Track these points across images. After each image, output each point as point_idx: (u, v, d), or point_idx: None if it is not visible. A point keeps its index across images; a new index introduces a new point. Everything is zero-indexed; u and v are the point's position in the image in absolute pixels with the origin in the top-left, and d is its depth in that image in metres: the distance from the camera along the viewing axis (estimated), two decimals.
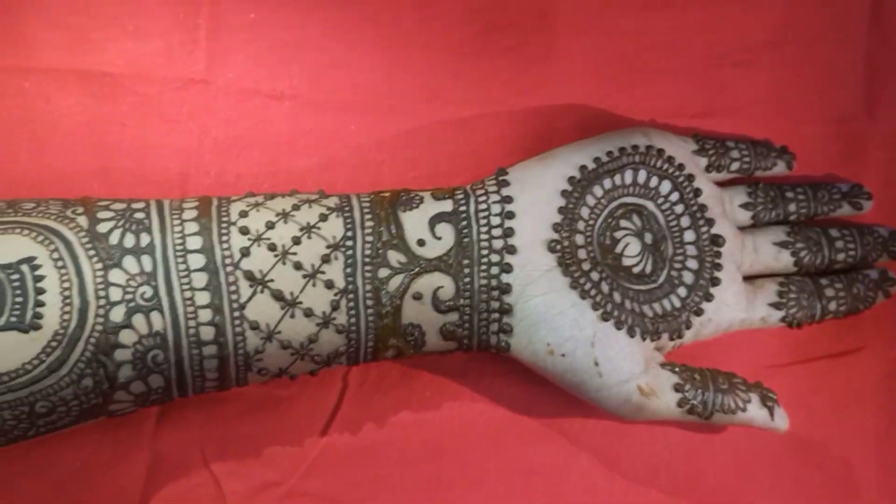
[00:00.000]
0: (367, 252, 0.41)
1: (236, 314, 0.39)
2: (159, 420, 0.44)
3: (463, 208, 0.43)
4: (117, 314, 0.38)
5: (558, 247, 0.42)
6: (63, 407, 0.38)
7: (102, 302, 0.38)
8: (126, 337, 0.38)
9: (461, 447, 0.47)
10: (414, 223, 0.42)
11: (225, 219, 0.41)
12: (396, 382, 0.47)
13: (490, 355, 0.46)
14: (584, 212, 0.43)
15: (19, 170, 0.44)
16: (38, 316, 0.37)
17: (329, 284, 0.41)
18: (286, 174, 0.47)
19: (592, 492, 0.48)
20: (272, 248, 0.40)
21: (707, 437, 0.49)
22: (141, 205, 0.41)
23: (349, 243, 0.41)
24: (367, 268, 0.41)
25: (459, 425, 0.47)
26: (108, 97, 0.45)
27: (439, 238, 0.42)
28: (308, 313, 0.40)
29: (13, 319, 0.37)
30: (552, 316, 0.42)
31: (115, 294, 0.38)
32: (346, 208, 0.42)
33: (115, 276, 0.38)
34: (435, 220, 0.43)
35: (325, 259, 0.41)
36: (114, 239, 0.39)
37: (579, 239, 0.43)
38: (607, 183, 0.44)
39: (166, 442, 0.44)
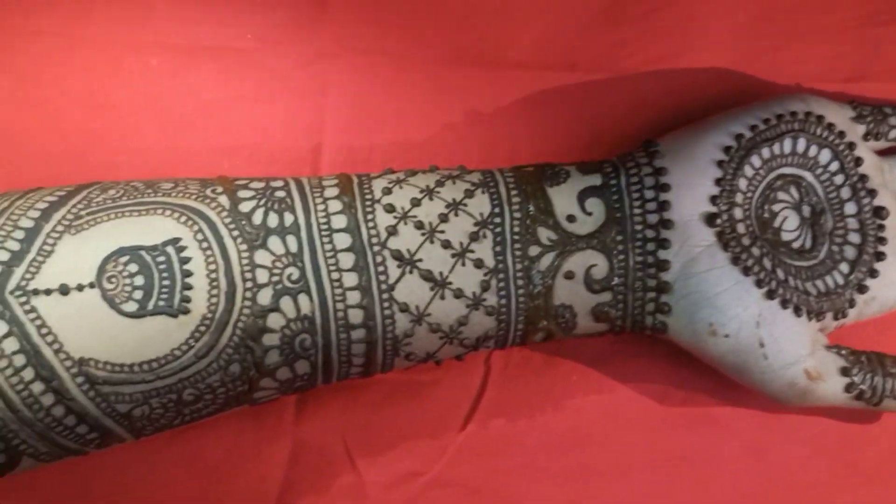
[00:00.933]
0: (516, 229, 0.39)
1: (385, 296, 0.37)
2: (299, 408, 0.43)
3: (613, 182, 0.40)
4: (265, 297, 0.36)
5: (717, 220, 0.40)
6: (210, 394, 0.37)
7: (249, 284, 0.36)
8: (274, 321, 0.36)
9: (607, 433, 0.44)
10: (562, 198, 0.40)
11: (368, 196, 0.39)
12: (540, 367, 0.44)
13: (635, 337, 0.43)
14: (742, 183, 0.40)
15: (148, 148, 0.43)
16: (186, 300, 0.35)
17: (478, 264, 0.38)
18: (419, 148, 0.44)
19: (741, 481, 0.46)
20: (419, 225, 0.38)
21: (862, 425, 0.46)
22: (280, 183, 0.39)
23: (497, 220, 0.39)
24: (517, 245, 0.39)
25: (605, 411, 0.44)
26: (236, 73, 0.43)
27: (590, 213, 0.40)
28: (458, 294, 0.38)
29: (161, 303, 0.35)
30: (715, 294, 0.39)
31: (262, 276, 0.36)
32: (491, 184, 0.40)
33: (261, 257, 0.36)
34: (584, 195, 0.40)
35: (474, 237, 0.38)
36: (257, 219, 0.37)
37: (738, 212, 0.40)
38: (765, 152, 0.41)
39: (307, 430, 0.42)
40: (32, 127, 0.42)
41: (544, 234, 0.39)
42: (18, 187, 0.40)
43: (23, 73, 0.42)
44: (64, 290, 0.34)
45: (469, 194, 0.39)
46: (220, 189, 0.38)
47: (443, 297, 0.38)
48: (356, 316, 0.37)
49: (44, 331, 0.34)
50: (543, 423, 0.44)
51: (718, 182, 0.40)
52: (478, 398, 0.44)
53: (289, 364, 0.37)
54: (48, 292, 0.34)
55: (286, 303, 0.36)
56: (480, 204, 0.39)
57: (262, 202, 0.38)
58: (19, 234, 0.35)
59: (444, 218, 0.38)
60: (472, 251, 0.38)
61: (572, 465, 0.44)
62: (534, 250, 0.39)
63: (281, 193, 0.38)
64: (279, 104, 0.44)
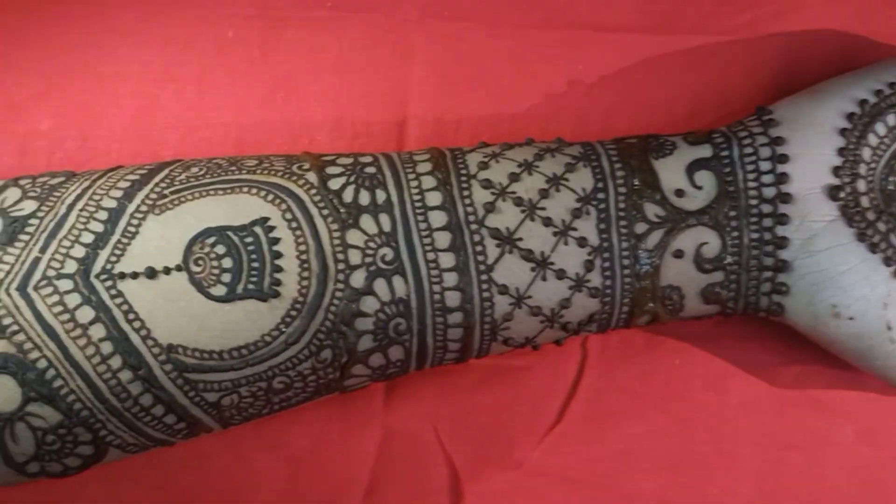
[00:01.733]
0: (621, 205, 0.36)
1: (483, 277, 0.35)
2: (388, 395, 0.40)
3: (725, 153, 0.37)
4: (357, 279, 0.34)
5: (841, 194, 0.36)
6: (300, 382, 0.35)
7: (342, 266, 0.34)
8: (368, 304, 0.34)
9: (712, 419, 0.42)
10: (670, 172, 0.37)
11: (464, 171, 0.36)
12: (641, 350, 0.42)
13: (741, 319, 0.40)
14: (866, 153, 0.37)
15: (227, 124, 0.40)
16: (276, 283, 0.33)
17: (582, 242, 0.36)
18: (510, 121, 0.42)
19: (853, 468, 0.43)
20: (518, 202, 0.36)
21: None
22: (369, 158, 0.37)
23: (601, 196, 0.36)
24: (622, 223, 0.36)
25: (710, 395, 0.42)
26: (315, 43, 0.41)
27: (700, 187, 0.37)
28: (560, 275, 0.35)
29: (251, 287, 0.33)
30: (840, 273, 0.36)
31: (355, 257, 0.34)
32: (593, 157, 0.37)
33: (353, 237, 0.34)
34: (693, 168, 0.37)
35: (576, 214, 0.36)
36: (348, 196, 0.35)
37: (861, 185, 0.37)
38: (891, 119, 0.38)
39: (397, 418, 0.40)
40: (108, 102, 0.40)
41: (651, 210, 0.36)
42: (97, 167, 0.39)
43: (99, 47, 0.40)
44: (150, 274, 0.32)
45: (570, 168, 0.37)
46: (306, 165, 0.36)
47: (544, 279, 0.35)
48: (453, 299, 0.35)
49: (131, 316, 0.32)
50: (644, 409, 0.41)
51: (841, 152, 0.37)
52: (575, 384, 0.41)
53: (382, 350, 0.35)
54: (135, 276, 0.32)
55: (380, 285, 0.34)
56: (582, 178, 0.36)
57: (353, 179, 0.35)
58: (102, 215, 0.33)
59: (544, 194, 0.36)
60: (574, 229, 0.36)
61: (675, 452, 0.41)
62: (640, 227, 0.36)
63: (371, 169, 0.36)
64: (361, 76, 0.41)
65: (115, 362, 0.32)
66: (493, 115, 0.42)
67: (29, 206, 0.34)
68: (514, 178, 0.36)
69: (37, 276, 0.32)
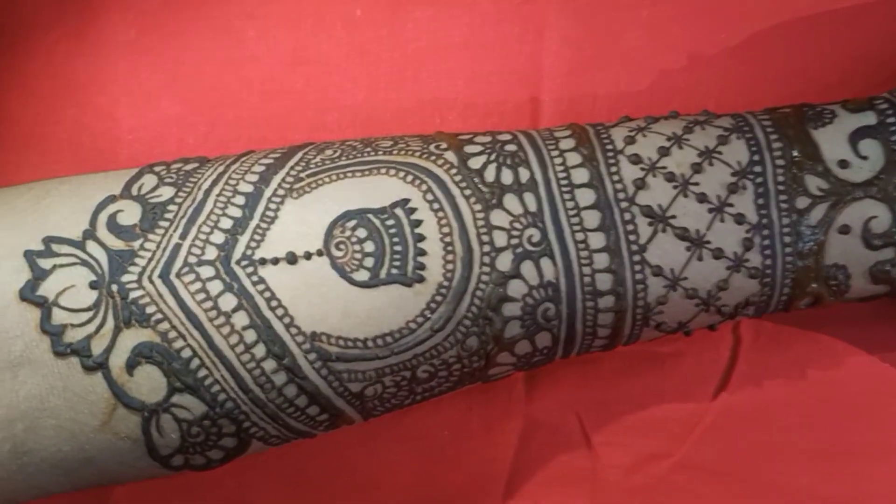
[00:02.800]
0: (780, 178, 0.34)
1: (636, 258, 0.33)
2: (529, 383, 0.39)
3: (891, 119, 0.34)
4: (504, 262, 0.32)
5: None
6: (444, 371, 0.33)
7: (487, 249, 0.32)
8: (515, 288, 0.32)
9: (875, 410, 0.39)
10: (831, 142, 0.34)
11: (609, 147, 0.34)
12: (798, 335, 0.39)
13: None
14: None
15: (356, 105, 0.39)
16: (420, 266, 0.32)
17: (739, 219, 0.33)
18: (649, 94, 0.39)
19: None
20: (670, 177, 0.33)
21: None
22: (507, 136, 0.35)
23: (757, 169, 0.34)
24: (782, 197, 0.34)
25: (873, 384, 0.39)
26: (445, 20, 0.39)
27: (865, 157, 0.34)
28: (717, 254, 0.33)
29: (395, 271, 0.32)
30: None
31: (500, 239, 0.32)
32: (745, 128, 0.35)
33: (498, 217, 0.32)
34: (856, 137, 0.34)
35: (732, 189, 0.33)
36: (489, 175, 0.33)
37: None
38: None
39: (539, 408, 0.38)
40: (236, 87, 0.39)
41: (813, 183, 0.34)
42: (224, 152, 0.38)
43: (227, 32, 0.39)
44: (291, 259, 0.31)
45: (722, 141, 0.34)
46: (444, 145, 0.34)
47: (700, 258, 0.33)
48: (604, 281, 0.33)
49: (273, 303, 0.31)
50: (802, 399, 0.38)
51: None
52: (728, 372, 0.39)
53: (529, 337, 0.33)
54: (275, 261, 0.31)
55: (528, 268, 0.32)
56: (737, 151, 0.34)
57: (493, 157, 0.34)
58: (240, 200, 0.32)
59: (697, 168, 0.33)
60: (731, 205, 0.33)
61: (835, 444, 0.39)
62: (802, 202, 0.34)
63: (511, 147, 0.34)
64: (492, 52, 0.39)
65: (259, 351, 0.31)
66: (630, 89, 0.40)
67: (166, 192, 0.33)
68: (663, 152, 0.34)
69: (178, 262, 0.31)
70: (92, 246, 0.31)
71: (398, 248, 0.32)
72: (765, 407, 0.38)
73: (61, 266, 0.31)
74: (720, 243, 0.33)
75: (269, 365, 0.31)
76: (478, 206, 0.32)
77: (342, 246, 0.32)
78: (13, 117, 0.39)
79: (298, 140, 0.39)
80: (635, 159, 0.34)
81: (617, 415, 0.38)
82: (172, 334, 0.30)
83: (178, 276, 0.31)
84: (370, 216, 0.32)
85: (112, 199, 0.32)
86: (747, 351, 0.39)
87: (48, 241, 0.31)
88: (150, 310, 0.31)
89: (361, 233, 0.32)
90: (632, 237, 0.33)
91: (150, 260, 0.31)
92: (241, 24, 0.39)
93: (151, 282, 0.31)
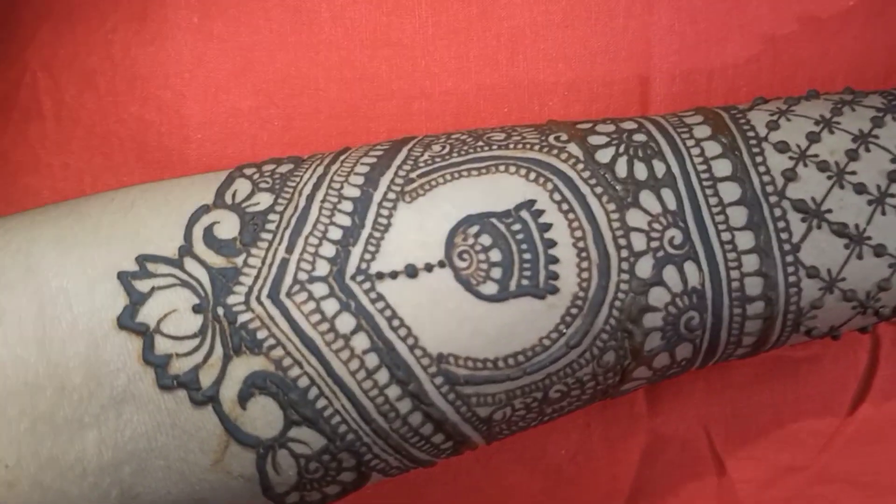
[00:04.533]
0: None
1: (789, 258, 0.31)
2: (651, 396, 0.36)
3: None
4: (644, 268, 0.30)
5: None
6: (577, 390, 0.31)
7: (625, 253, 0.30)
8: (657, 297, 0.30)
9: None
10: None
11: (751, 134, 0.32)
12: None
13: None
14: None
15: (446, 91, 0.36)
16: (552, 276, 0.29)
17: None
18: (771, 70, 0.37)
19: None
20: (823, 166, 0.31)
21: None
22: (632, 124, 0.32)
23: None
24: None
25: None
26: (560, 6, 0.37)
27: None
28: (879, 251, 0.31)
29: (525, 282, 0.29)
30: None
31: (639, 242, 0.30)
32: None
33: (634, 218, 0.30)
34: None
35: (893, 177, 0.31)
36: (621, 170, 0.31)
37: None
38: None
39: (664, 422, 0.36)
40: (313, 75, 0.37)
41: None
42: (306, 148, 0.35)
43: (300, 13, 0.36)
44: (412, 272, 0.29)
45: (878, 122, 0.32)
46: (564, 136, 0.32)
47: (860, 256, 0.31)
48: (754, 286, 0.31)
49: (395, 322, 0.29)
50: None
51: None
52: (868, 376, 0.37)
53: (670, 349, 0.31)
54: (394, 275, 0.29)
55: (670, 273, 0.30)
56: (894, 135, 0.32)
57: (622, 149, 0.31)
58: (347, 206, 0.30)
59: (852, 155, 0.31)
60: (892, 195, 0.31)
61: None
62: None
63: (640, 136, 0.32)
64: (596, 28, 0.37)
65: (382, 377, 0.29)
66: (751, 65, 0.37)
67: (264, 199, 0.30)
68: (813, 137, 0.31)
69: (288, 280, 0.29)
70: (191, 264, 0.29)
71: (527, 255, 0.30)
72: None
73: (160, 288, 0.28)
74: (882, 239, 0.31)
75: (393, 392, 0.29)
76: (611, 206, 0.30)
77: (466, 255, 0.29)
78: (73, 116, 0.37)
79: (383, 132, 0.37)
80: (782, 147, 0.31)
81: (749, 427, 0.36)
82: (287, 361, 0.28)
83: (289, 295, 0.29)
84: (494, 221, 0.30)
85: (206, 208, 0.30)
86: (889, 353, 0.37)
87: (142, 259, 0.29)
88: (261, 335, 0.28)
89: (486, 240, 0.30)
90: (783, 235, 0.31)
91: (256, 278, 0.29)
92: (313, 4, 0.36)
93: (260, 303, 0.28)
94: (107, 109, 0.36)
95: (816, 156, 0.31)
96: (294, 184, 0.31)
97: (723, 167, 0.31)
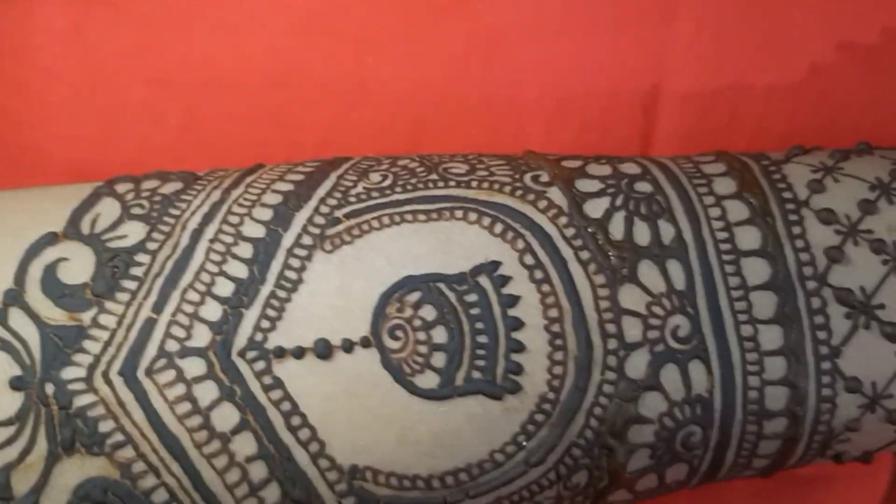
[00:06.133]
0: None
1: (825, 365, 0.24)
2: None
3: None
4: (637, 366, 0.23)
5: None
6: None
7: (613, 345, 0.23)
8: (650, 404, 0.24)
9: None
10: None
11: (788, 195, 0.25)
12: None
13: None
14: None
15: (414, 94, 0.30)
16: (515, 369, 0.23)
17: None
18: (809, 110, 0.31)
19: None
20: (878, 248, 0.25)
21: None
22: (635, 168, 0.26)
23: None
24: None
25: None
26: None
27: None
28: None
29: (477, 375, 0.23)
30: None
31: (633, 330, 0.24)
32: None
33: (630, 297, 0.24)
34: None
35: None
36: (616, 229, 0.24)
37: None
38: None
39: None
40: (226, 60, 0.30)
41: None
42: (212, 160, 0.28)
43: None
44: (323, 351, 0.22)
45: None
46: (545, 176, 0.25)
47: None
48: (777, 398, 0.24)
49: (295, 420, 0.22)
50: None
51: None
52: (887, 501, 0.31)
53: (659, 470, 0.25)
54: (299, 353, 0.22)
55: (670, 375, 0.24)
56: None
57: (620, 201, 0.25)
58: (245, 251, 0.23)
59: None
60: None
61: None
62: None
63: (644, 186, 0.25)
64: (599, 37, 0.30)
65: (271, 495, 0.22)
66: (786, 99, 0.31)
67: (134, 230, 0.23)
68: (867, 208, 0.25)
69: (150, 351, 0.22)
70: (17, 317, 0.22)
71: (482, 338, 0.23)
72: None
73: None
74: None
75: None
76: (600, 279, 0.24)
77: (400, 333, 0.23)
78: None
79: (310, 145, 0.30)
80: (828, 217, 0.25)
81: None
82: (139, 466, 0.22)
83: (150, 373, 0.22)
84: (442, 287, 0.23)
85: (51, 238, 0.23)
86: None
87: None
88: (104, 427, 0.22)
89: (428, 313, 0.23)
90: (821, 334, 0.24)
91: (108, 345, 0.22)
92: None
93: (108, 381, 0.22)
94: None
95: (870, 232, 0.25)
96: (178, 212, 0.24)
97: (749, 237, 0.25)
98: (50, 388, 0.21)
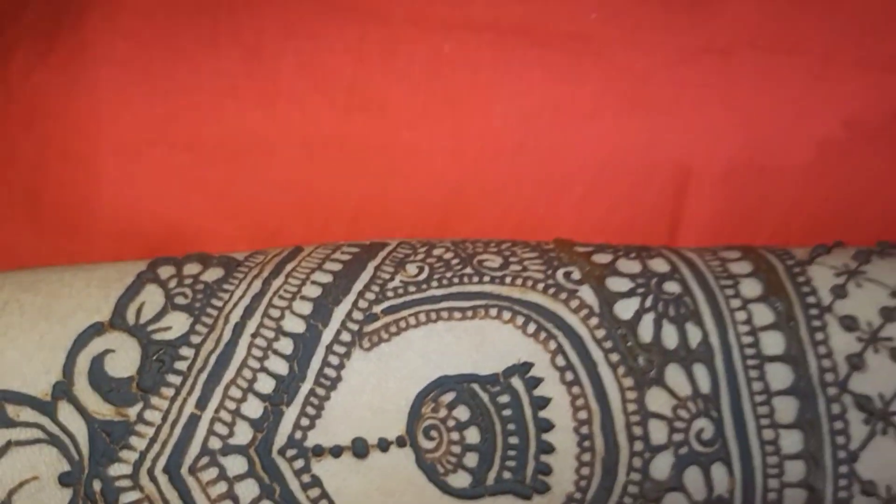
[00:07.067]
0: None
1: (843, 469, 0.25)
2: None
3: None
4: (661, 468, 0.24)
5: None
6: None
7: (639, 447, 0.24)
8: None
9: None
10: None
11: (812, 300, 0.26)
12: None
13: None
14: None
15: (440, 170, 0.31)
16: (544, 470, 0.24)
17: None
18: (834, 198, 0.31)
19: None
20: None
21: None
22: (663, 265, 0.27)
23: None
24: None
25: None
26: (569, 69, 0.31)
27: None
28: None
29: (507, 475, 0.24)
30: None
31: (658, 433, 0.24)
32: None
33: (657, 400, 0.24)
34: None
35: None
36: (646, 332, 0.25)
37: None
38: None
39: None
40: (266, 131, 0.30)
41: None
42: (250, 220, 0.29)
43: (257, 53, 0.30)
44: (360, 450, 0.23)
45: None
46: (577, 273, 0.26)
47: None
48: (795, 500, 0.25)
49: None
50: None
51: None
52: None
53: None
54: (337, 452, 0.23)
55: (693, 477, 0.24)
56: None
57: (650, 302, 0.25)
58: (285, 346, 0.24)
59: None
60: None
61: None
62: None
63: (673, 287, 0.26)
64: (630, 120, 0.31)
65: None
66: (812, 186, 0.31)
67: (178, 322, 0.24)
68: (888, 315, 0.26)
69: (194, 448, 0.22)
70: (66, 411, 0.23)
71: (514, 440, 0.24)
72: None
73: (20, 444, 0.22)
74: None
75: None
76: (629, 382, 0.24)
77: (434, 433, 0.23)
78: None
79: (349, 214, 0.31)
80: (850, 324, 0.26)
81: None
82: None
83: (194, 471, 0.22)
84: (476, 388, 0.24)
85: (98, 328, 0.24)
86: None
87: (2, 398, 0.22)
88: None
89: (462, 413, 0.24)
90: (840, 439, 0.25)
91: (153, 441, 0.23)
92: (277, 47, 0.30)
93: (153, 479, 0.22)
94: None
95: (890, 339, 0.26)
96: (220, 303, 0.24)
97: (774, 343, 0.25)
98: (97, 485, 0.22)
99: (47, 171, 0.30)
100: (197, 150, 0.30)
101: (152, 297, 0.25)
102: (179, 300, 0.24)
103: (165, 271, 0.25)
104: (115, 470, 0.22)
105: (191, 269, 0.25)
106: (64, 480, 0.22)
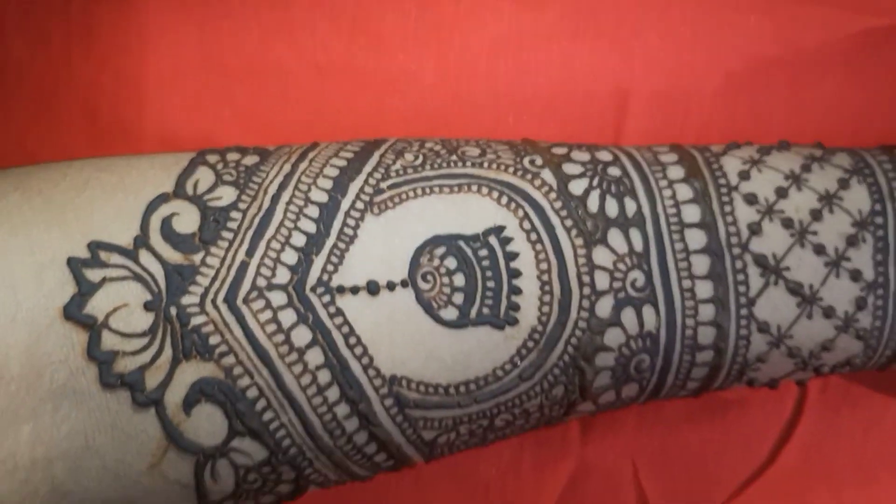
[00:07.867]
0: None
1: (743, 311, 0.32)
2: (585, 424, 0.38)
3: None
4: (604, 307, 0.31)
5: None
6: (522, 419, 0.32)
7: (587, 291, 0.31)
8: (612, 337, 0.31)
9: None
10: None
11: (722, 181, 0.33)
12: (867, 392, 0.39)
13: None
14: None
15: (424, 93, 0.37)
16: (514, 307, 0.30)
17: (855, 275, 0.33)
18: (744, 113, 0.38)
19: None
20: (787, 223, 0.32)
21: None
22: (608, 155, 0.33)
23: (878, 220, 0.33)
24: None
25: None
26: (532, 2, 0.37)
27: None
28: (828, 313, 0.33)
29: (486, 311, 0.30)
30: None
31: (602, 280, 0.31)
32: (867, 171, 0.34)
33: (601, 256, 0.31)
34: None
35: (852, 241, 0.33)
36: (593, 204, 0.32)
37: None
38: None
39: (594, 451, 0.38)
40: (283, 55, 0.36)
41: None
42: (268, 132, 0.35)
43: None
44: (373, 289, 0.29)
45: (843, 185, 0.33)
46: (539, 160, 0.32)
47: (810, 316, 0.32)
48: (707, 335, 0.32)
49: (352, 340, 0.29)
50: (867, 463, 0.39)
51: None
52: (790, 426, 0.39)
53: (617, 388, 0.32)
54: (355, 290, 0.29)
55: (628, 315, 0.31)
56: (858, 198, 0.33)
57: (596, 182, 0.32)
58: (313, 211, 0.30)
59: (816, 215, 0.33)
60: (848, 259, 0.33)
61: None
62: None
63: (615, 171, 0.33)
64: (581, 44, 0.37)
65: (332, 394, 0.29)
66: (727, 103, 0.38)
67: (227, 194, 0.30)
68: (781, 193, 0.33)
69: (246, 285, 0.29)
70: (146, 257, 0.28)
71: (491, 283, 0.30)
72: (826, 468, 0.39)
73: (112, 280, 0.28)
74: (832, 301, 0.33)
75: (342, 410, 0.29)
76: (579, 241, 0.31)
77: (430, 277, 0.30)
78: (19, 72, 0.35)
79: (353, 126, 0.37)
80: (751, 199, 0.33)
81: (674, 462, 0.38)
82: (238, 370, 0.28)
83: (247, 301, 0.29)
84: (461, 244, 0.30)
85: (165, 197, 0.30)
86: (813, 405, 0.39)
87: (95, 247, 0.28)
88: (213, 340, 0.28)
89: (451, 263, 0.30)
90: (741, 288, 0.32)
91: (214, 279, 0.29)
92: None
93: (216, 307, 0.28)
94: (58, 69, 0.35)
95: (782, 212, 0.32)
96: (259, 180, 0.31)
97: (692, 213, 0.32)
98: (173, 311, 0.28)
99: (103, 89, 0.36)
100: (227, 73, 0.36)
101: (205, 175, 0.30)
102: (227, 177, 0.31)
103: (212, 157, 0.31)
104: (187, 300, 0.28)
105: (232, 156, 0.32)
106: (148, 306, 0.28)
